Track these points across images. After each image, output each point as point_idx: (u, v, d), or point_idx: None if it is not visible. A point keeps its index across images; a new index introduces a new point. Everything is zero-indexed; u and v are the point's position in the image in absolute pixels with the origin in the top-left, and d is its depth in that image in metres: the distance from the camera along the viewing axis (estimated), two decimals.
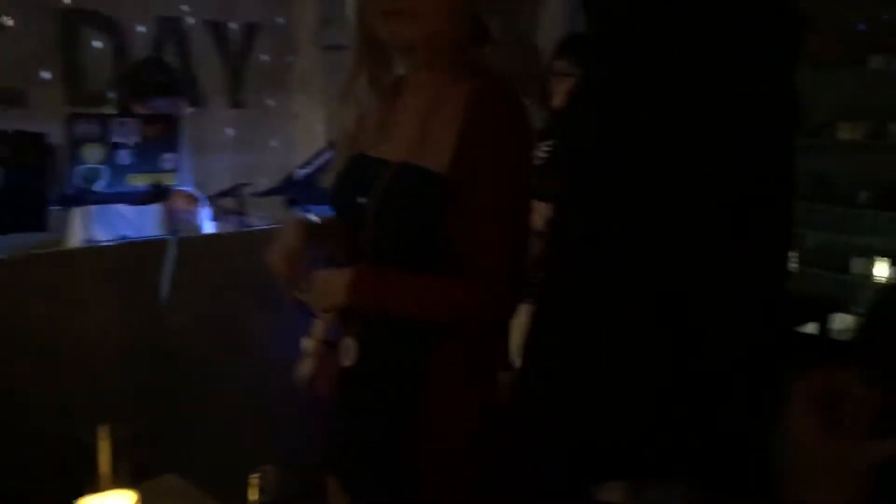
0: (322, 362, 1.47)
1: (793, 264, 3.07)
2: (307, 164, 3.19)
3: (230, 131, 4.19)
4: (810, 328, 3.53)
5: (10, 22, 3.61)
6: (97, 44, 3.90)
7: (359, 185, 1.40)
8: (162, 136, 2.51)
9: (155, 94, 2.79)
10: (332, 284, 1.36)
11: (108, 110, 3.24)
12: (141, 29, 3.96)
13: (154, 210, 2.70)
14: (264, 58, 4.29)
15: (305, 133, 4.45)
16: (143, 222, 2.75)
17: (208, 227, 2.86)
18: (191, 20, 4.05)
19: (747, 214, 0.94)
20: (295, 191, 3.09)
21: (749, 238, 0.94)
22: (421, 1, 1.29)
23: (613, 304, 0.98)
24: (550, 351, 1.05)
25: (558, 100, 2.66)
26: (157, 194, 2.55)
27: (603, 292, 0.99)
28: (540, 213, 2.39)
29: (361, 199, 1.38)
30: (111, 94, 3.66)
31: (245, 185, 3.10)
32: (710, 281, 0.94)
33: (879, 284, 4.77)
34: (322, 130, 4.34)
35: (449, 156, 1.30)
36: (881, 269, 4.84)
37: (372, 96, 1.46)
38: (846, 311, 4.36)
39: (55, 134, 2.31)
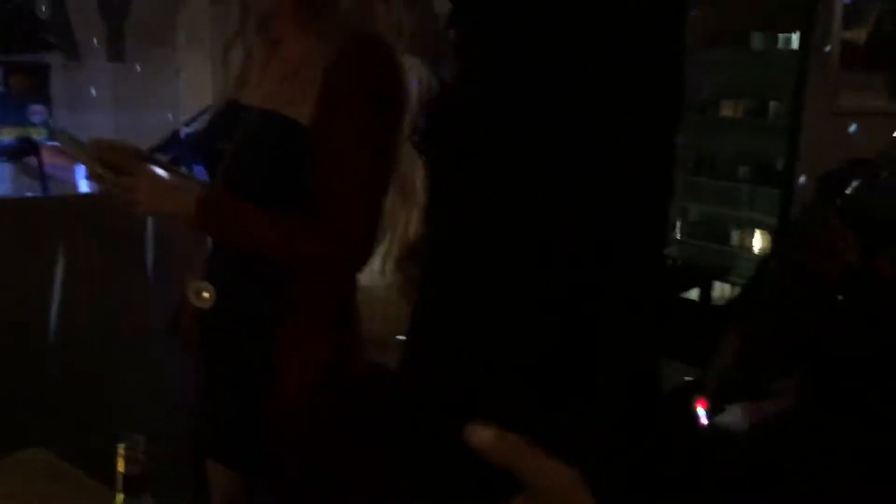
0: (185, 306, 1.48)
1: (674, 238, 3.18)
2: (192, 121, 3.04)
3: (109, 87, 3.95)
4: (693, 294, 3.66)
5: None
6: None
7: (223, 131, 1.40)
8: (29, 87, 2.34)
9: (19, 48, 2.59)
10: (178, 189, 1.33)
11: None
12: None
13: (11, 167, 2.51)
14: (147, 8, 4.06)
15: (191, 89, 4.25)
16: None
17: (84, 185, 2.69)
18: None
19: (623, 197, 0.92)
20: (179, 149, 2.94)
21: (628, 212, 0.92)
22: None
23: (491, 278, 0.96)
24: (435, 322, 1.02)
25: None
26: (25, 148, 2.38)
27: (481, 268, 0.96)
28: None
29: (223, 145, 1.38)
30: None
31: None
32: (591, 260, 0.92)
33: (757, 255, 5.01)
34: (209, 87, 4.16)
35: (311, 107, 1.31)
36: (758, 241, 5.05)
37: (255, 46, 1.44)
38: (726, 279, 4.55)
39: None
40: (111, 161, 1.34)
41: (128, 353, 2.24)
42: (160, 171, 1.35)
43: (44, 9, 3.56)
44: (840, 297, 0.83)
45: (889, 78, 1.46)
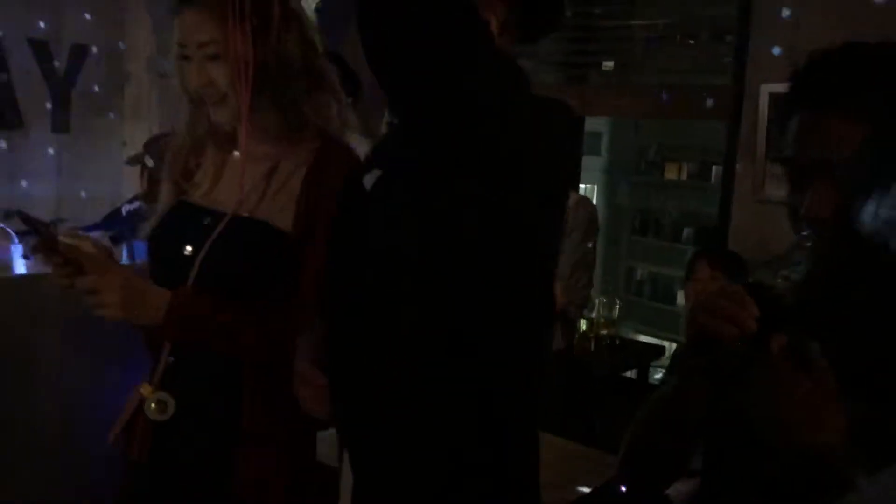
0: (136, 417, 1.43)
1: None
2: (135, 198, 3.04)
3: (52, 157, 3.92)
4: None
5: None
6: None
7: (184, 234, 1.38)
8: None
9: None
10: (149, 297, 1.31)
11: None
12: None
13: None
14: (93, 81, 4.07)
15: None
16: None
17: (20, 265, 2.65)
18: (13, 38, 3.77)
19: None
20: (121, 227, 2.93)
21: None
22: (224, 40, 1.32)
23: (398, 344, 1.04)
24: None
25: None
26: None
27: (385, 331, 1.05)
28: None
29: (187, 249, 1.36)
30: None
31: (61, 220, 2.91)
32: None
33: None
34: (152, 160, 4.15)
35: (292, 214, 1.35)
36: None
37: (209, 147, 1.46)
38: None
39: None
40: (72, 254, 1.27)
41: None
42: (128, 274, 1.30)
43: None
44: (736, 366, 0.90)
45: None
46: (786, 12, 2.89)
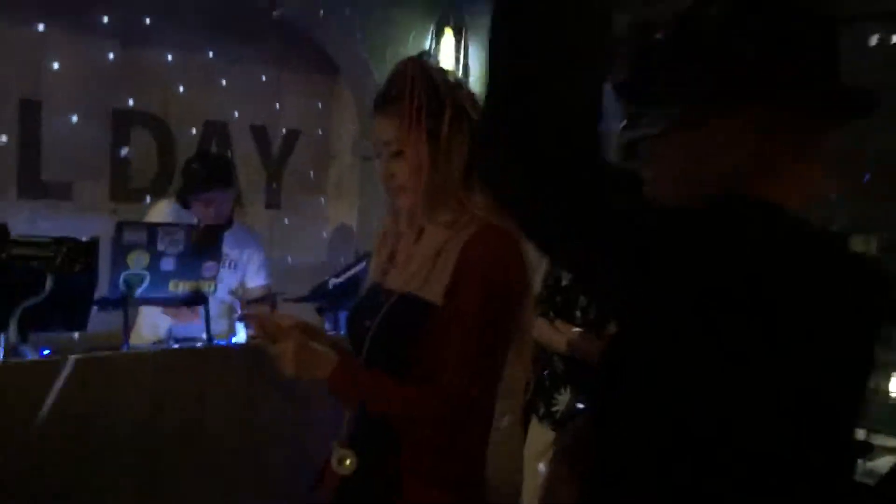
0: (325, 468, 1.59)
1: None
2: (340, 273, 3.27)
3: (265, 232, 4.32)
4: None
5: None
6: (143, 142, 4.07)
7: (368, 310, 1.57)
8: (206, 246, 2.61)
9: (216, 186, 2.95)
10: (320, 358, 1.50)
11: (154, 204, 3.36)
12: (190, 131, 4.14)
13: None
14: (302, 162, 4.45)
15: (338, 237, 4.57)
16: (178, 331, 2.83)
17: (241, 332, 2.93)
18: (236, 124, 4.22)
19: None
20: (326, 300, 3.16)
21: None
22: (404, 141, 1.50)
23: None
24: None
25: None
26: (196, 300, 2.64)
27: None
28: (563, 333, 2.49)
29: (368, 323, 1.54)
30: (170, 187, 3.81)
31: (278, 293, 3.20)
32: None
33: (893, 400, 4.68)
34: (353, 235, 4.46)
35: (443, 289, 1.47)
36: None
37: (404, 233, 1.63)
38: None
39: (98, 226, 2.42)
40: (270, 329, 1.53)
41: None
42: (307, 341, 1.52)
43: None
44: None
45: None
46: None
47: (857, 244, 5.51)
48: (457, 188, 1.53)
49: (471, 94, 1.57)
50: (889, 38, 2.83)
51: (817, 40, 0.95)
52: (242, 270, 3.22)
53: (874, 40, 2.85)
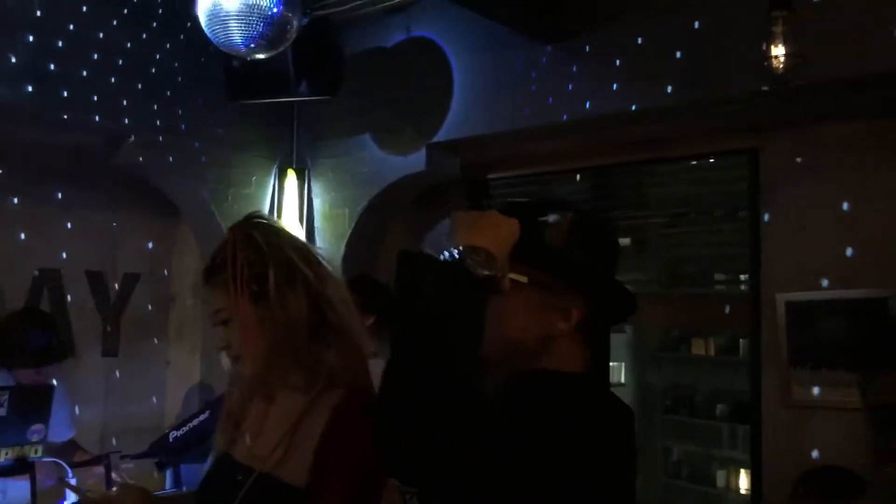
0: None
1: None
2: (182, 424, 3.14)
3: (101, 383, 4.10)
4: None
5: None
6: None
7: (222, 488, 1.51)
8: (32, 409, 2.46)
9: (41, 363, 2.78)
10: None
11: None
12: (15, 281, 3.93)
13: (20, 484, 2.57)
14: (141, 306, 4.31)
15: (177, 379, 4.40)
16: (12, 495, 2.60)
17: (71, 498, 2.72)
18: (69, 271, 4.05)
19: None
20: (166, 454, 3.02)
21: None
22: (233, 308, 1.49)
23: None
24: None
25: None
26: (20, 468, 2.45)
27: None
28: None
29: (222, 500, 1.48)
30: None
31: (114, 452, 3.02)
32: None
33: (744, 497, 4.81)
34: (195, 376, 4.31)
35: (307, 470, 1.43)
36: (745, 482, 4.83)
37: (252, 399, 1.58)
38: None
39: None
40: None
41: None
42: None
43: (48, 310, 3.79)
44: None
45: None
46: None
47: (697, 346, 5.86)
48: (302, 347, 1.51)
49: (302, 248, 1.57)
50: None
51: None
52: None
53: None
